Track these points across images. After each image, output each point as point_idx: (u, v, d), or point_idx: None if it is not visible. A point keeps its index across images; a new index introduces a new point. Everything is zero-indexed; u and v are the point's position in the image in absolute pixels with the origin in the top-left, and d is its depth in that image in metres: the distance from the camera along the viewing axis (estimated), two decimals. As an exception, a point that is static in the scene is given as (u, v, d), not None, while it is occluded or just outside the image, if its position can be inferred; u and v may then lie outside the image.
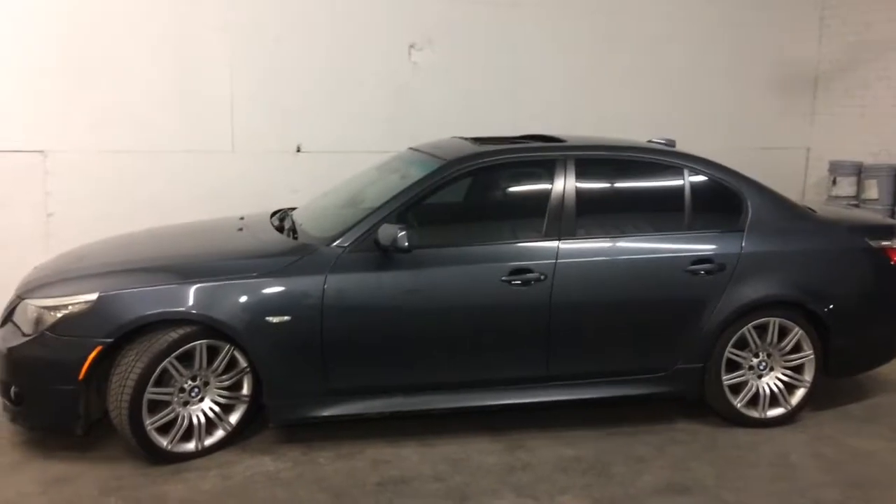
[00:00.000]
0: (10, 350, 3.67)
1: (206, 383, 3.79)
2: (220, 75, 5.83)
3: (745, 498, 3.57)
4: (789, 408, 4.30)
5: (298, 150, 6.19)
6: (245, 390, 3.86)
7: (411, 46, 6.44)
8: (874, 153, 7.69)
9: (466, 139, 4.65)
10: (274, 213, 4.73)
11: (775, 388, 4.28)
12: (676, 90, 7.64)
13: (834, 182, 7.82)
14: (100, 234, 4.76)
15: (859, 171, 7.68)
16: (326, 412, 3.88)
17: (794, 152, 8.43)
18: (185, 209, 5.56)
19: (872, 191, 7.48)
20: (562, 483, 3.66)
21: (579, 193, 4.12)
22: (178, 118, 5.74)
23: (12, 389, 3.72)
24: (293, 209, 4.83)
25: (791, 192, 7.49)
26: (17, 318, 3.79)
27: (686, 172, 4.29)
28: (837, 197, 7.75)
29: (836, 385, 4.74)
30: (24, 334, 3.68)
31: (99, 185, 5.54)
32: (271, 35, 5.98)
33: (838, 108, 8.17)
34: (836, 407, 4.59)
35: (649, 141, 4.86)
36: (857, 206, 7.54)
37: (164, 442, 3.69)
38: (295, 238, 4.14)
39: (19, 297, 3.85)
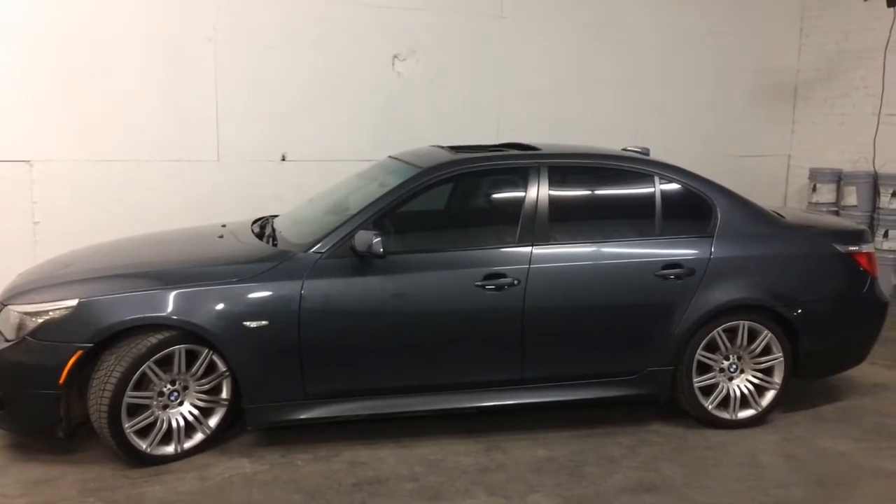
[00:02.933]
0: (-7, 355, 3.74)
1: (186, 387, 3.85)
2: (206, 85, 5.91)
3: (711, 496, 3.64)
4: (759, 409, 4.37)
5: (283, 159, 6.27)
6: (224, 394, 3.93)
7: (395, 57, 6.54)
8: (853, 161, 7.81)
9: (444, 147, 4.75)
10: (255, 221, 4.81)
11: (746, 390, 4.36)
12: (660, 99, 7.76)
13: (814, 189, 7.94)
14: (86, 242, 4.85)
15: (839, 179, 7.81)
16: (304, 415, 3.95)
17: (776, 160, 8.56)
18: (171, 218, 5.64)
19: (851, 197, 7.59)
20: (534, 482, 3.74)
21: (552, 200, 4.22)
22: (164, 127, 5.81)
23: (-5, 393, 3.79)
24: (275, 217, 4.91)
25: (773, 199, 7.63)
26: (-1, 324, 3.87)
27: (657, 179, 4.38)
28: (818, 203, 7.87)
29: (809, 387, 4.83)
30: (6, 339, 3.75)
31: (85, 194, 5.62)
32: (256, 45, 6.06)
33: (818, 116, 8.30)
34: (809, 409, 4.67)
35: (624, 149, 4.96)
36: (836, 212, 7.66)
37: (143, 445, 3.75)
38: (274, 244, 4.22)
39: (2, 304, 3.92)
